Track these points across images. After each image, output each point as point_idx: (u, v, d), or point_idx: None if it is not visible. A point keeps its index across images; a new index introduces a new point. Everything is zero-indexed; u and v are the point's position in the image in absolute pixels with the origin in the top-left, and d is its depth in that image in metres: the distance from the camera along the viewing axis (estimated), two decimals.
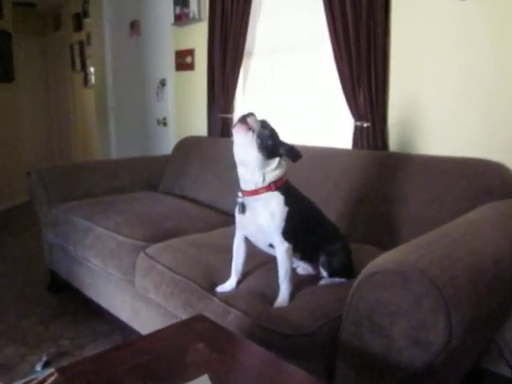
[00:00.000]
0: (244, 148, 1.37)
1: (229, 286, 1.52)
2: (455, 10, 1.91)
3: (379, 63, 2.09)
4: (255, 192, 1.40)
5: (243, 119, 1.36)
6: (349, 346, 1.13)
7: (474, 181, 1.73)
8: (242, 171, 1.41)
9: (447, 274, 1.01)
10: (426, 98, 2.06)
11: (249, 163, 1.38)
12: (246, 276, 1.56)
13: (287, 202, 1.40)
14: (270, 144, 1.36)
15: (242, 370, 0.93)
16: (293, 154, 1.41)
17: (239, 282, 1.53)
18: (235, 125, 1.37)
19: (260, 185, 1.39)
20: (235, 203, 1.49)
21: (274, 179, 1.40)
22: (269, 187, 1.39)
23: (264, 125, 1.38)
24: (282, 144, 1.41)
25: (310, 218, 1.51)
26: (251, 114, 1.37)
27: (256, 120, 1.37)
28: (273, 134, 1.39)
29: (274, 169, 1.40)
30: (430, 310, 0.97)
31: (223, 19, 2.83)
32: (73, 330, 2.29)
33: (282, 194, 1.41)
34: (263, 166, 1.38)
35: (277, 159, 1.40)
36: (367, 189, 2.00)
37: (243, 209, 1.45)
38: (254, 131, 1.35)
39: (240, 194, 1.45)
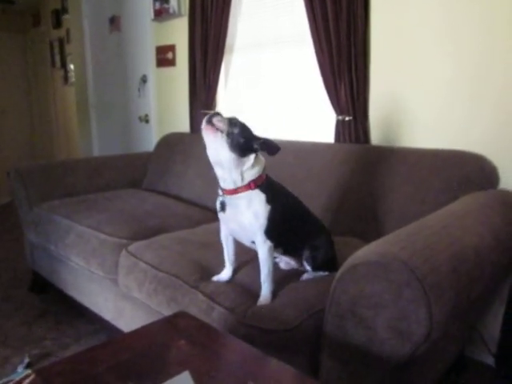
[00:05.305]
0: (216, 150, 1.33)
1: (225, 275, 1.52)
2: (438, 2, 1.91)
3: (359, 57, 2.09)
4: (235, 191, 1.37)
5: (209, 121, 1.32)
6: (332, 339, 1.13)
7: (456, 172, 1.75)
8: (219, 171, 1.38)
9: (428, 264, 1.02)
10: (406, 91, 2.06)
11: (224, 164, 1.34)
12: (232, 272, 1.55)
13: (269, 200, 1.38)
14: (242, 141, 1.32)
15: (224, 365, 0.93)
16: (268, 147, 1.36)
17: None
18: (202, 127, 1.33)
19: (239, 184, 1.36)
20: (216, 200, 1.47)
21: (253, 177, 1.37)
22: (249, 186, 1.36)
23: (232, 122, 1.34)
24: (255, 138, 1.36)
25: (293, 214, 1.49)
26: (217, 114, 1.33)
27: (223, 119, 1.33)
28: (243, 131, 1.34)
29: (251, 167, 1.36)
30: (411, 301, 0.97)
31: (203, 14, 2.81)
32: (56, 330, 2.26)
33: (263, 192, 1.38)
34: (239, 165, 1.34)
35: (252, 156, 1.36)
36: (351, 182, 2.00)
37: (223, 207, 1.43)
38: (222, 131, 1.31)
39: (220, 193, 1.43)
